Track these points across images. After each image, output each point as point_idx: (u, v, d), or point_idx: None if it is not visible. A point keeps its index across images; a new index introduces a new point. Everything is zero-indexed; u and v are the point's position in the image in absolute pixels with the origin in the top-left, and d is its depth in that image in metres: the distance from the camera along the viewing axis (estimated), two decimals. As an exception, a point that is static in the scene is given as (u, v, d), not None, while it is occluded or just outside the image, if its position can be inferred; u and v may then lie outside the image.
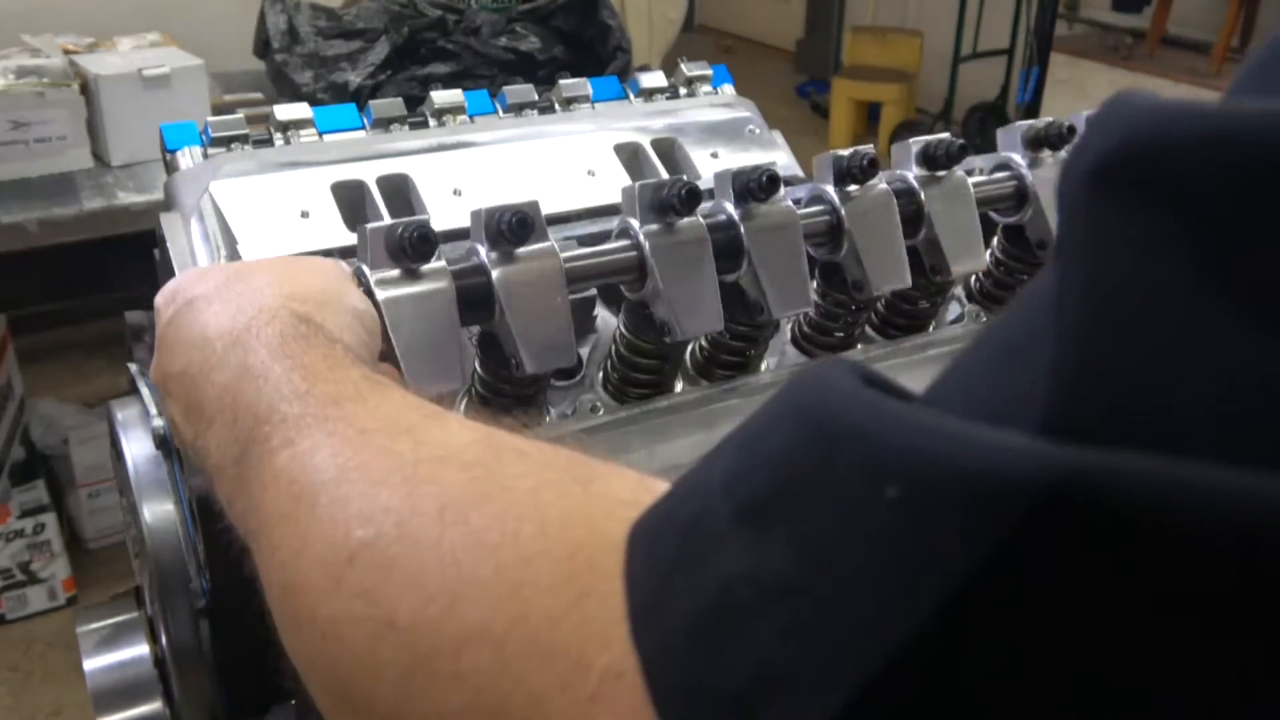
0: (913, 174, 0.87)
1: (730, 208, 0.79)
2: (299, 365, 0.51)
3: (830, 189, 0.83)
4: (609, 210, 0.94)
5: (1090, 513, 0.23)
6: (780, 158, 1.06)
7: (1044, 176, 0.90)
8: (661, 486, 0.35)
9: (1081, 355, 0.26)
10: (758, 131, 1.16)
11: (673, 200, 0.75)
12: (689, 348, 0.86)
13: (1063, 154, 0.92)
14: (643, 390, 0.84)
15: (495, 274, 0.71)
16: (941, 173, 0.86)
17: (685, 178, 0.76)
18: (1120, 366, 0.26)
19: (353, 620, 0.38)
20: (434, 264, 0.71)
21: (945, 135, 0.87)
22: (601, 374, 0.86)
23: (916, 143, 0.87)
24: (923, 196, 0.85)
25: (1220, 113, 0.26)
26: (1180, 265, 0.25)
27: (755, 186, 0.78)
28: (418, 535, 0.38)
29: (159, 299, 0.66)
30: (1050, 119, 0.92)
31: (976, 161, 0.92)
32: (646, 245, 0.76)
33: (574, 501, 0.37)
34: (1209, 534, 0.23)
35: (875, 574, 0.26)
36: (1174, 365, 0.25)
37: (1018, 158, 0.91)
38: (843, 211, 0.82)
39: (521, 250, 0.72)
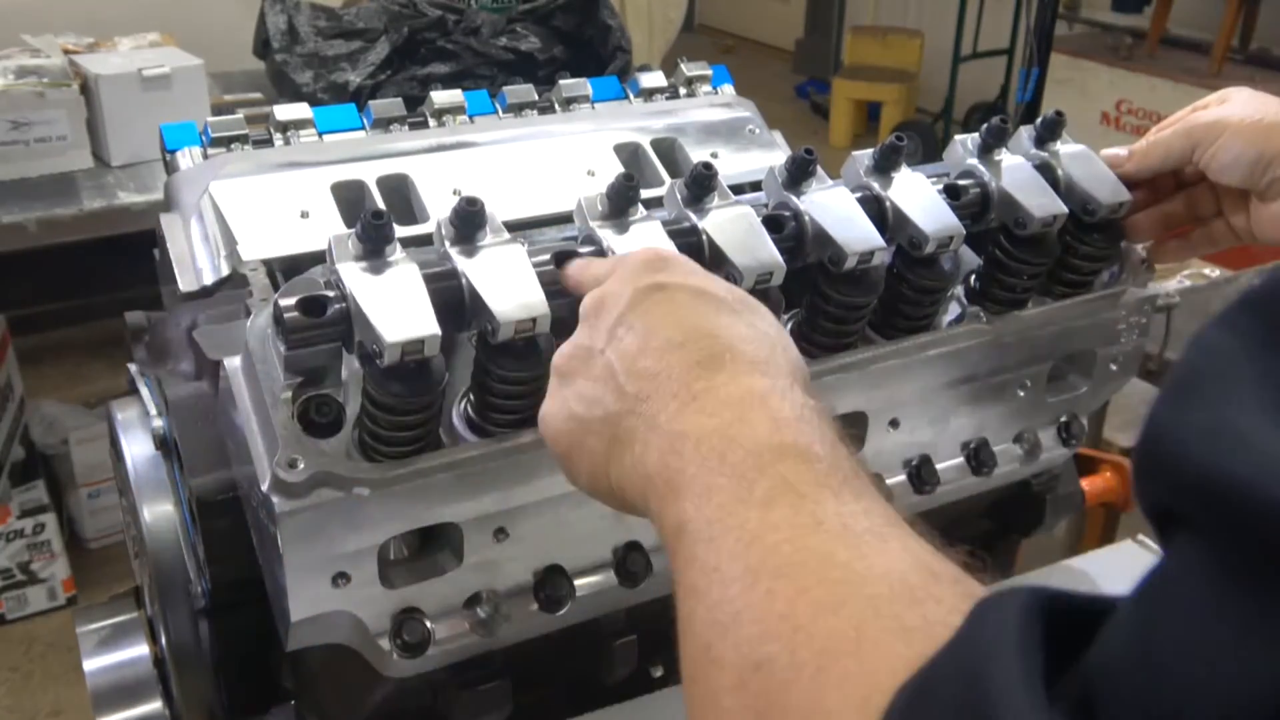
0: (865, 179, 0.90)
1: (687, 211, 0.81)
2: (822, 436, 0.56)
3: (783, 191, 0.86)
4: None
5: None
6: (780, 158, 1.06)
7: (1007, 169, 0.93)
8: None
9: None
10: (758, 131, 1.16)
11: (616, 195, 0.77)
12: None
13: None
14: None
15: (454, 252, 0.73)
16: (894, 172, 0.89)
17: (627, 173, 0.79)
18: None
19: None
20: (397, 253, 0.73)
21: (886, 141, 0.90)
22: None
23: (860, 156, 0.90)
24: (877, 186, 0.88)
25: None
26: None
27: (698, 177, 0.81)
28: (800, 667, 0.46)
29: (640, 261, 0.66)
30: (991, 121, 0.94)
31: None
32: (601, 236, 0.77)
33: (886, 674, 0.44)
34: None
35: None
36: None
37: (977, 164, 0.92)
38: (796, 201, 0.84)
39: (482, 239, 0.75)
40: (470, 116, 1.08)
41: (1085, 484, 1.16)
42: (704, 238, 0.80)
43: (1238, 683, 0.31)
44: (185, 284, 0.91)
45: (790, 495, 0.52)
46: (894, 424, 0.92)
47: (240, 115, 1.00)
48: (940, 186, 0.90)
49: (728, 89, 1.21)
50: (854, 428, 0.91)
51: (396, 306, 0.68)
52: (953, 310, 0.96)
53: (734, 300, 0.64)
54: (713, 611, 0.51)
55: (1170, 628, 0.34)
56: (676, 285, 0.63)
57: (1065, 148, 0.95)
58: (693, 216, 0.81)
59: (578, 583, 0.82)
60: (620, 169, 1.02)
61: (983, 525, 1.13)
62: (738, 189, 0.87)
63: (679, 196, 0.82)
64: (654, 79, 1.19)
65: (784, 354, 0.63)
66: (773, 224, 0.83)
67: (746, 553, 0.51)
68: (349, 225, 0.86)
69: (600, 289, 0.66)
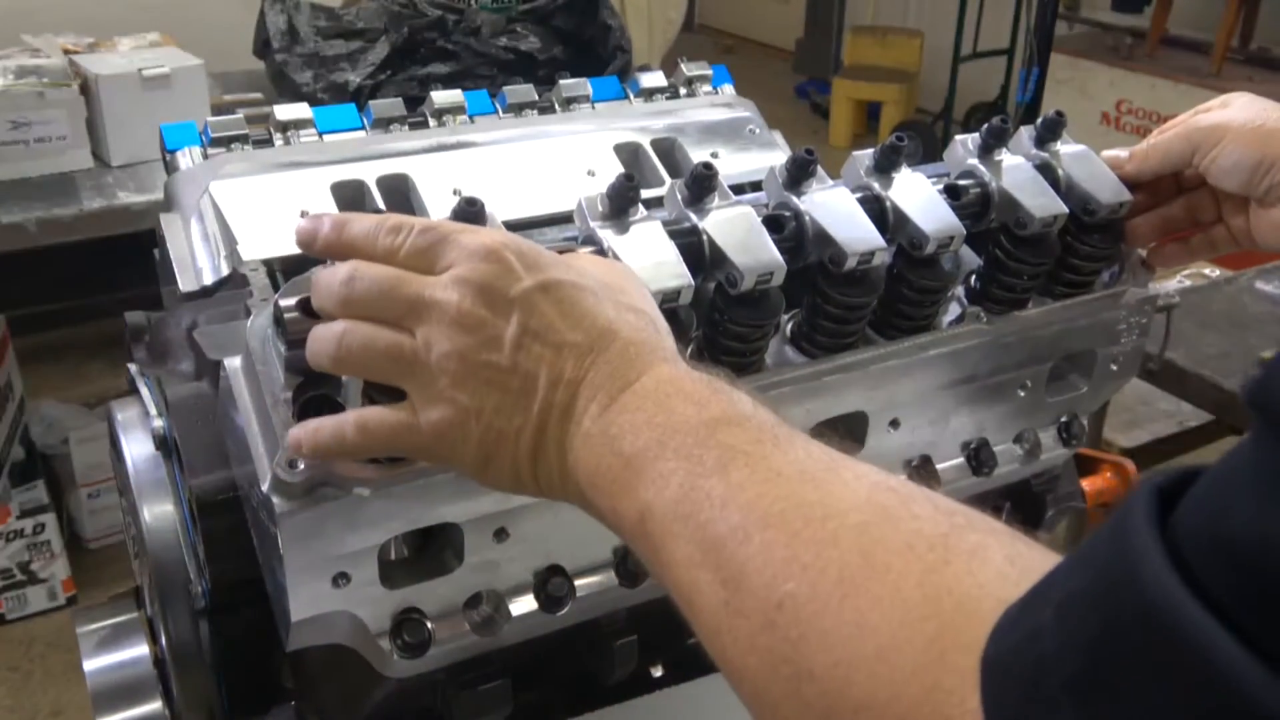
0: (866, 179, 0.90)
1: (687, 211, 0.81)
2: (739, 400, 0.59)
3: (783, 192, 0.86)
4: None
5: None
6: (780, 158, 1.06)
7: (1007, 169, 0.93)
8: (1014, 567, 0.46)
9: None
10: (758, 131, 1.16)
11: (616, 195, 0.77)
12: (688, 349, 0.86)
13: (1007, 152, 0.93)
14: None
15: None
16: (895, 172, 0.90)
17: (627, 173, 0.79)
18: None
19: (780, 657, 0.49)
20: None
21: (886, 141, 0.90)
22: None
23: (860, 156, 0.90)
24: (877, 186, 0.88)
25: None
26: None
27: (699, 177, 0.81)
28: (825, 598, 0.48)
29: (498, 241, 0.63)
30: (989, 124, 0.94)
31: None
32: (602, 236, 0.77)
33: (935, 588, 0.47)
34: None
35: None
36: None
37: (978, 164, 0.92)
38: (797, 201, 0.84)
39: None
40: (470, 116, 1.08)
41: (1085, 484, 1.16)
42: (704, 238, 0.80)
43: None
44: (185, 284, 0.91)
45: (740, 458, 0.55)
46: (894, 424, 0.92)
47: (240, 115, 1.00)
48: (940, 186, 0.90)
49: (728, 89, 1.21)
50: (854, 428, 0.91)
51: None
52: (953, 310, 0.96)
53: (595, 285, 0.64)
54: (719, 572, 0.52)
55: (1231, 476, 0.38)
56: (555, 282, 0.62)
57: (1066, 148, 0.95)
58: (693, 216, 0.81)
59: (578, 583, 0.82)
60: (620, 169, 1.02)
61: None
62: (738, 189, 0.87)
63: (679, 196, 0.82)
64: (654, 79, 1.19)
65: (661, 328, 0.66)
66: (773, 224, 0.83)
67: (725, 515, 0.53)
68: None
69: (457, 286, 0.61)
